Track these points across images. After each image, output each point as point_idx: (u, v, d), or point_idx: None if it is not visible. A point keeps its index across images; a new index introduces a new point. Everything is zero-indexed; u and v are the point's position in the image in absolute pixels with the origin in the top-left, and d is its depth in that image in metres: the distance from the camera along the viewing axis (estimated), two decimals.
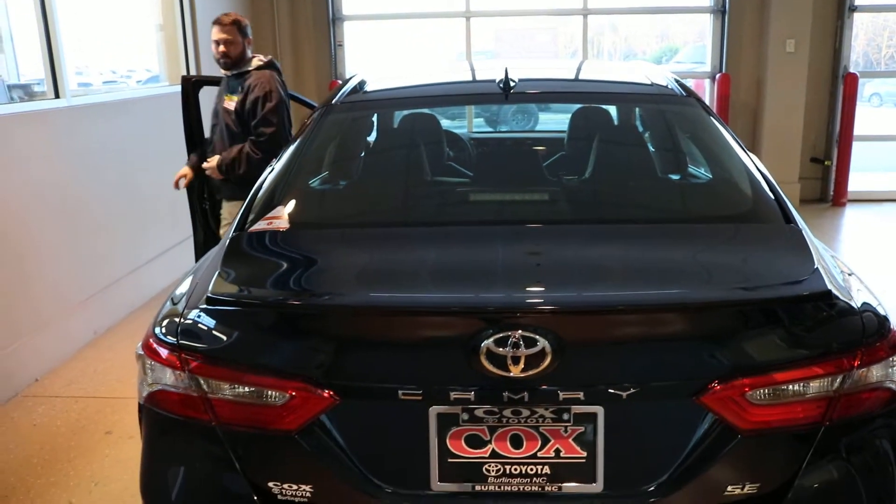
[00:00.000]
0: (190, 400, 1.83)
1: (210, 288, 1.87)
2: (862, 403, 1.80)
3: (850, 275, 2.10)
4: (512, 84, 2.68)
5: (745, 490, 1.77)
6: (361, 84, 3.02)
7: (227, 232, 2.35)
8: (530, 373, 1.69)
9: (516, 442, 1.77)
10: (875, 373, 1.80)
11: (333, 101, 2.83)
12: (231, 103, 4.22)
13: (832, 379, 1.77)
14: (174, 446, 1.94)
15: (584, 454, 1.76)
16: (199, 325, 1.88)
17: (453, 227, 2.31)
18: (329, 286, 2.02)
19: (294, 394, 1.76)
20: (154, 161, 5.43)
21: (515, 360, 1.68)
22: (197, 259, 4.36)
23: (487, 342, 1.68)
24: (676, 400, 1.77)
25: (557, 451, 1.76)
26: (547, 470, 1.77)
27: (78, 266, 4.69)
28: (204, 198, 4.65)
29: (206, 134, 4.64)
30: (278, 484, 1.80)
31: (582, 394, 1.73)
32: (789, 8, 7.55)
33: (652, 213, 2.43)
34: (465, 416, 1.75)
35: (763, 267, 2.07)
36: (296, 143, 2.67)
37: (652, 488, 1.76)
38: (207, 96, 4.73)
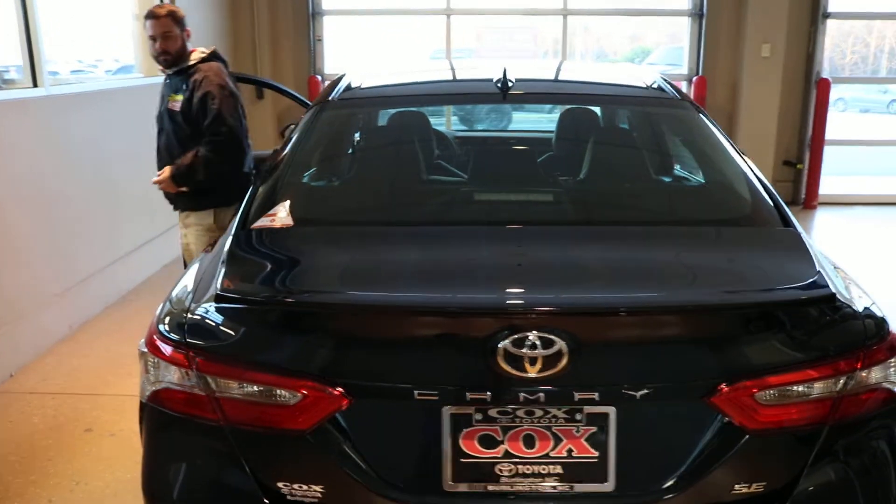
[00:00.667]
0: (197, 399, 1.80)
1: (218, 285, 1.84)
2: (863, 404, 1.85)
3: (845, 277, 2.14)
4: (510, 84, 2.67)
5: (752, 489, 1.81)
6: (357, 81, 3.00)
7: (228, 228, 2.30)
8: (546, 373, 1.70)
9: (529, 442, 1.77)
10: (875, 374, 1.85)
11: (330, 98, 2.80)
12: (176, 103, 3.76)
13: (836, 380, 1.81)
14: (179, 446, 1.90)
15: (596, 454, 1.77)
16: (207, 322, 1.84)
17: (464, 227, 2.31)
18: (342, 284, 2.00)
19: (306, 393, 1.74)
20: (131, 153, 5.31)
21: (532, 361, 1.69)
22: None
23: (505, 343, 1.69)
24: (687, 400, 1.80)
25: (570, 451, 1.77)
26: (559, 470, 1.77)
27: (53, 259, 4.59)
28: None
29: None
30: (288, 484, 1.78)
31: (597, 394, 1.74)
32: (765, 13, 7.66)
33: (653, 216, 2.47)
34: (479, 417, 1.75)
35: (768, 270, 2.11)
36: (294, 140, 2.63)
37: (663, 487, 1.78)
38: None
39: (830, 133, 8.08)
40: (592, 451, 1.77)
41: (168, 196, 3.95)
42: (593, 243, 2.18)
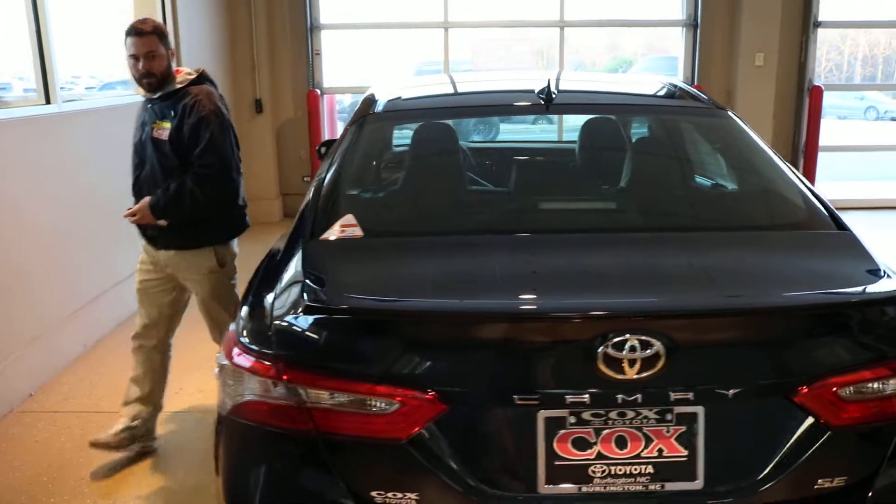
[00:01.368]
0: (286, 410, 1.79)
1: (305, 296, 1.82)
2: None
3: None
4: (553, 95, 2.70)
5: (835, 483, 1.84)
6: (394, 94, 3.01)
7: (285, 241, 2.28)
8: (644, 375, 1.72)
9: (621, 443, 1.78)
10: None
11: (375, 111, 2.81)
12: (163, 131, 3.24)
13: None
14: (266, 457, 1.88)
15: (686, 453, 1.79)
16: (296, 333, 1.83)
17: (538, 235, 2.31)
18: (435, 292, 1.98)
19: (404, 402, 1.74)
20: None
21: (631, 363, 1.71)
22: None
23: (606, 346, 1.70)
24: (773, 398, 1.84)
25: (660, 451, 1.79)
26: (650, 469, 1.79)
27: (62, 279, 4.53)
28: None
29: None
30: (382, 493, 1.77)
31: (691, 394, 1.77)
32: (758, 22, 7.79)
33: (716, 222, 2.53)
34: (573, 420, 1.77)
35: (839, 272, 2.16)
36: (340, 152, 2.63)
37: (750, 484, 1.81)
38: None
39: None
40: (682, 450, 1.79)
41: (146, 231, 3.39)
42: (666, 249, 2.21)
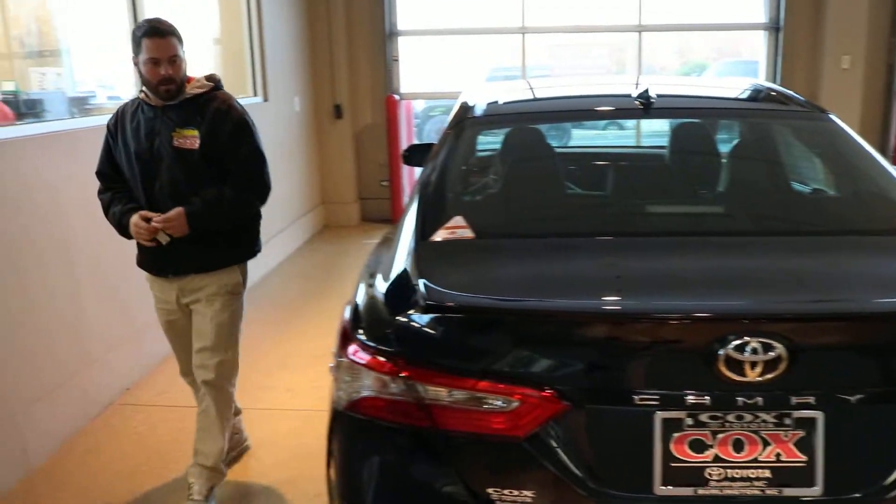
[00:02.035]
0: (404, 406, 1.82)
1: (425, 295, 1.86)
2: None
3: None
4: (652, 100, 2.70)
5: None
6: (493, 99, 3.04)
7: (395, 242, 2.33)
8: (765, 378, 1.71)
9: (738, 446, 1.77)
10: None
11: (475, 115, 2.86)
12: (188, 139, 2.90)
13: None
14: (383, 453, 1.93)
15: (805, 458, 1.77)
16: (416, 331, 1.86)
17: (649, 238, 2.32)
18: (555, 292, 2.00)
19: (523, 400, 1.76)
20: None
21: (753, 366, 1.70)
22: None
23: (728, 348, 1.69)
24: (894, 403, 1.78)
25: (778, 455, 1.77)
26: (767, 474, 1.77)
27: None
28: None
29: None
30: (498, 490, 1.79)
31: (812, 398, 1.74)
32: (844, 24, 7.58)
33: (827, 226, 2.49)
34: (690, 421, 1.76)
35: None
36: (442, 156, 2.68)
37: (871, 491, 1.77)
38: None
39: None
40: (800, 455, 1.77)
41: (162, 257, 3.00)
42: (777, 253, 2.20)
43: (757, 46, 8.43)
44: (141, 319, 4.43)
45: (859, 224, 2.50)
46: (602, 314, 1.85)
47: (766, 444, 1.77)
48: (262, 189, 3.03)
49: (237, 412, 3.47)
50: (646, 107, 2.69)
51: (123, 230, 2.99)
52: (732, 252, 2.20)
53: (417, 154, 4.23)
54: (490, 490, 1.80)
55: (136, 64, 2.91)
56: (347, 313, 2.09)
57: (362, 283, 2.22)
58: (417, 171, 3.44)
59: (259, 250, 3.20)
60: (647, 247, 2.24)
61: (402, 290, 1.99)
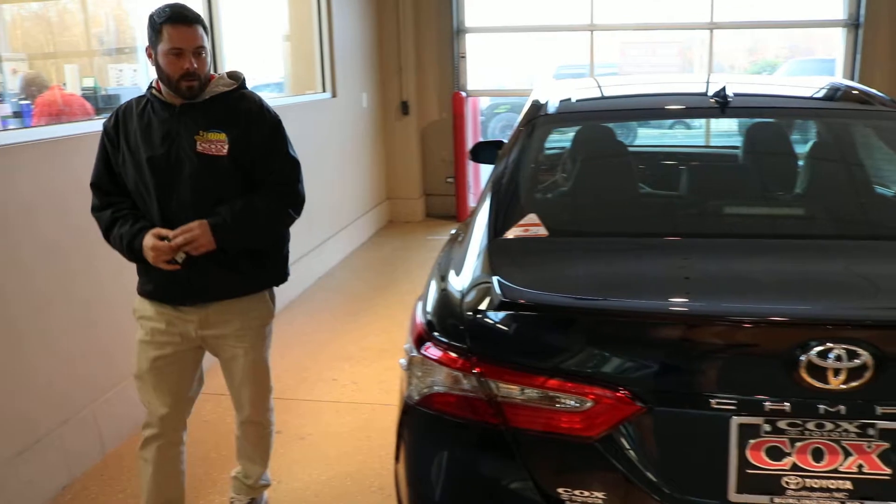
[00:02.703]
0: (476, 403, 1.82)
1: (499, 293, 1.85)
2: None
3: None
4: (729, 98, 2.64)
5: None
6: (566, 96, 3.02)
7: (467, 239, 2.32)
8: (849, 386, 1.66)
9: (818, 455, 1.72)
10: None
11: (548, 113, 2.83)
12: (214, 144, 2.51)
13: None
14: (453, 448, 1.93)
15: (889, 472, 1.70)
16: (491, 328, 1.86)
17: (723, 240, 2.28)
18: (629, 293, 1.98)
19: (597, 400, 1.74)
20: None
21: (836, 373, 1.65)
22: None
23: (810, 354, 1.65)
24: None
25: (860, 467, 1.71)
26: (848, 485, 1.72)
27: None
28: None
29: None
30: (569, 490, 1.78)
31: None
32: None
33: None
34: (767, 428, 1.72)
35: None
36: (515, 153, 2.66)
37: None
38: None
39: None
40: (885, 468, 1.70)
41: (180, 283, 2.55)
42: (860, 257, 2.14)
43: (833, 44, 8.17)
44: None
45: None
46: (680, 315, 1.82)
47: (847, 454, 1.71)
48: (297, 200, 2.65)
49: (267, 485, 3.15)
50: (722, 106, 2.63)
51: (135, 255, 2.53)
52: (812, 255, 2.14)
53: (484, 151, 4.23)
54: (560, 490, 1.79)
55: (150, 55, 2.53)
56: (419, 309, 2.10)
57: (434, 278, 2.23)
58: (482, 168, 3.44)
59: (288, 274, 2.82)
60: (723, 248, 2.20)
61: (475, 288, 1.98)
